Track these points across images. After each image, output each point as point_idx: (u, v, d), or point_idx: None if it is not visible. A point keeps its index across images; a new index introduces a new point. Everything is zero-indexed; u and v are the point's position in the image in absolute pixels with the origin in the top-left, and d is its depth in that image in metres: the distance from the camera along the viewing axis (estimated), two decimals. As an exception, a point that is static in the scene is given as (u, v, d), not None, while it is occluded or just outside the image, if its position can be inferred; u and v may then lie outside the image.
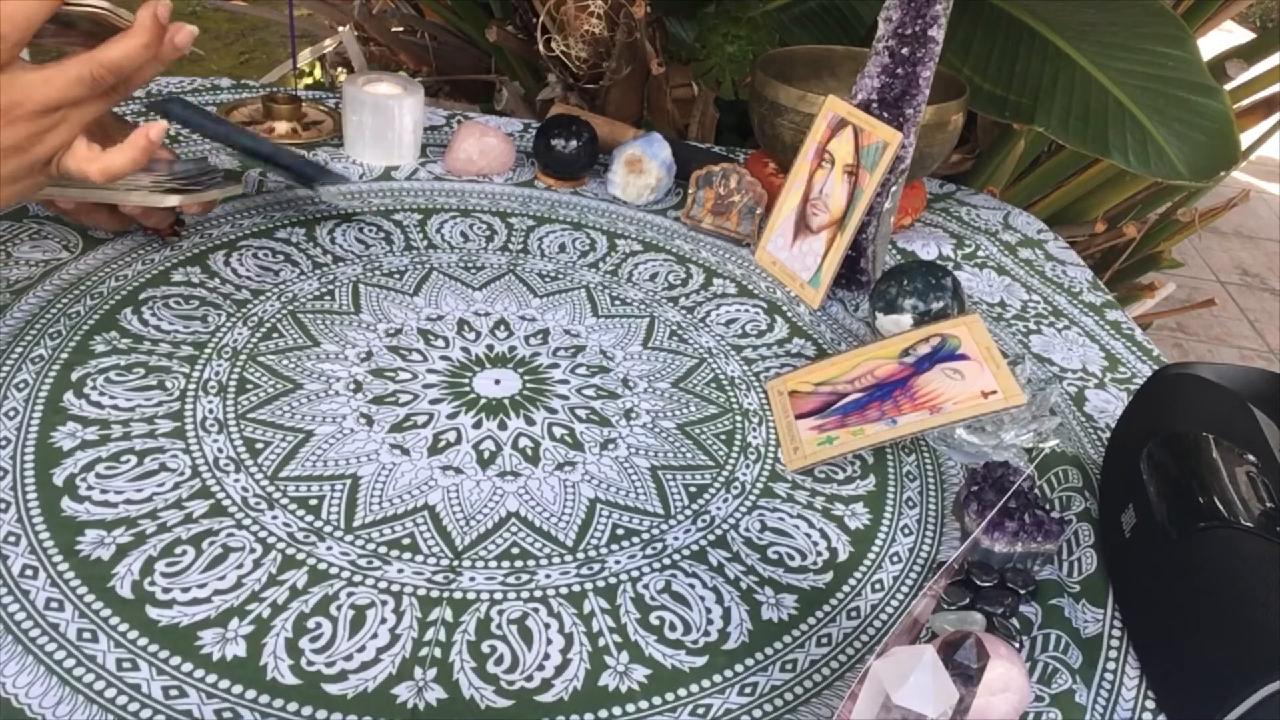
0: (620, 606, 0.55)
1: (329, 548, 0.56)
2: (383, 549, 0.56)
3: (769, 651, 0.54)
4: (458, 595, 0.54)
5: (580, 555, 0.58)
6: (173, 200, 0.70)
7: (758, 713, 0.51)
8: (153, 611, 0.50)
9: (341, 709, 0.47)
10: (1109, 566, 0.61)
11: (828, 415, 0.69)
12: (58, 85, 0.55)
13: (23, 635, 0.49)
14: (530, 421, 0.67)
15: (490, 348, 0.74)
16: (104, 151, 0.58)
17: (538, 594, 0.55)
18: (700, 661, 0.53)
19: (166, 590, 0.52)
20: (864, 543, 0.62)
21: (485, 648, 0.52)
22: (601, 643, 0.53)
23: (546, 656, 0.52)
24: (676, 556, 0.59)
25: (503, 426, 0.66)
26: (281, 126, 1.01)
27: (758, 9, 1.19)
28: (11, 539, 0.53)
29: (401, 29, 1.93)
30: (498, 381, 0.70)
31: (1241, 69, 1.33)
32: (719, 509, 0.63)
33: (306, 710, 0.47)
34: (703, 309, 0.83)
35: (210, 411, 0.64)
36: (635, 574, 0.57)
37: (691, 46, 1.21)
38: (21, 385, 0.63)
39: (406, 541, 0.57)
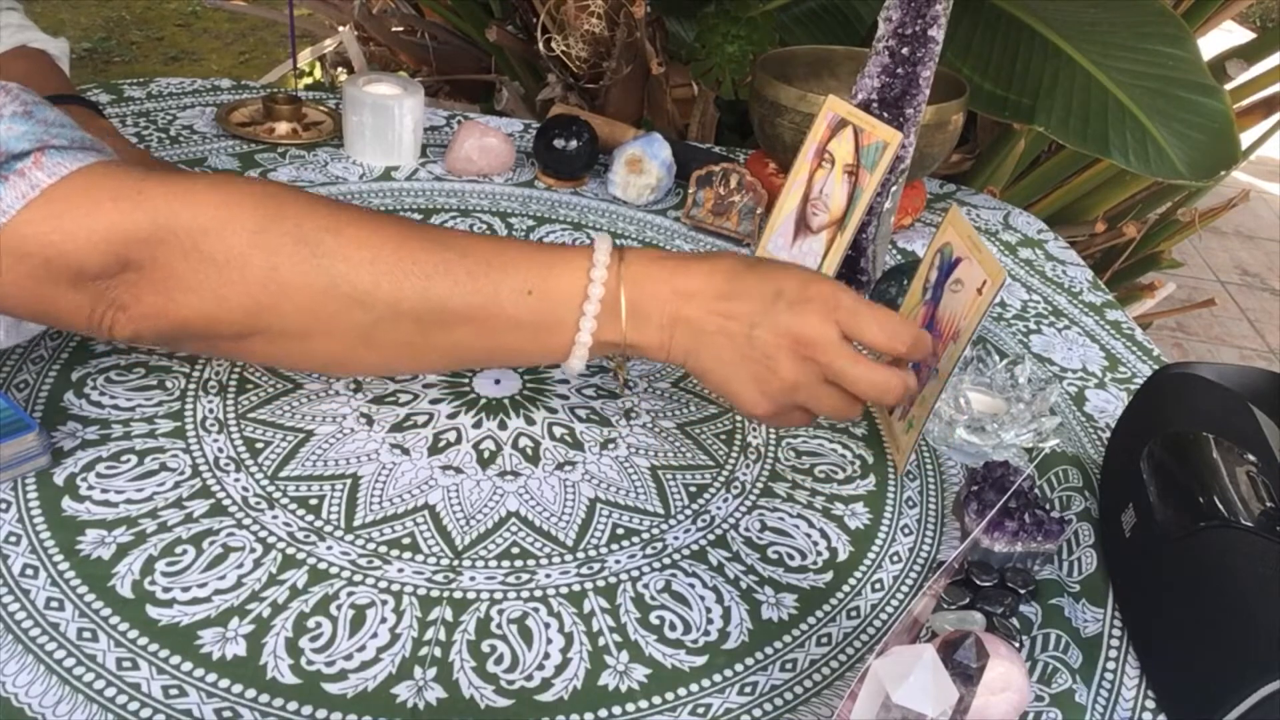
0: (620, 606, 0.55)
1: (329, 547, 0.56)
2: (383, 548, 0.56)
3: (769, 651, 0.54)
4: (458, 595, 0.54)
5: (580, 555, 0.58)
6: None
7: (757, 712, 0.51)
8: (153, 611, 0.50)
9: (341, 708, 0.48)
10: (1109, 566, 0.62)
11: None
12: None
13: (23, 634, 0.49)
14: (530, 421, 0.67)
15: (490, 347, 0.74)
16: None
17: (538, 593, 0.55)
18: (700, 661, 0.53)
19: (167, 590, 0.52)
20: (864, 542, 0.62)
21: (485, 647, 0.52)
22: (601, 642, 0.53)
23: (546, 656, 0.52)
24: (676, 556, 0.59)
25: (503, 426, 0.66)
26: (281, 127, 1.01)
27: (758, 9, 1.19)
28: (12, 539, 0.53)
29: (401, 29, 1.94)
30: (498, 381, 0.70)
31: (1241, 69, 1.33)
32: (719, 509, 0.63)
33: (306, 710, 0.47)
34: (703, 309, 0.83)
35: (210, 411, 0.64)
36: (635, 573, 0.57)
37: (691, 46, 1.21)
38: (22, 385, 0.63)
39: (407, 541, 0.57)
